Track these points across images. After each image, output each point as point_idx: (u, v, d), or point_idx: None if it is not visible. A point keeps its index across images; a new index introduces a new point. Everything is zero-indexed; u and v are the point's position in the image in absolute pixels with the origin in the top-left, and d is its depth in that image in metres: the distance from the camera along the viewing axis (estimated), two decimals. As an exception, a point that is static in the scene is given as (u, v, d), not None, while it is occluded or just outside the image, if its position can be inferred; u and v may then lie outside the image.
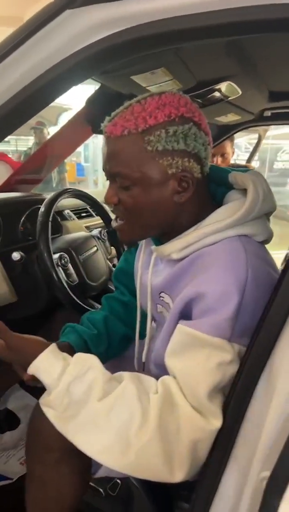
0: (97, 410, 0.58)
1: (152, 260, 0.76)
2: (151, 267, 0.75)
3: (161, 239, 0.73)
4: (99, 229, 1.37)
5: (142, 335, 0.91)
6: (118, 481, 0.87)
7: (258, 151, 2.99)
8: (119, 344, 0.92)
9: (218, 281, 0.59)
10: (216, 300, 0.58)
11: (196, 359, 0.59)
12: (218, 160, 2.19)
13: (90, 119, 1.44)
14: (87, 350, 0.84)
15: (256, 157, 3.12)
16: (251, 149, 2.94)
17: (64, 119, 7.30)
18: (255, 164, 3.74)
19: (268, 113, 1.73)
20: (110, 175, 0.67)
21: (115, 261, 1.47)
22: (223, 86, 1.24)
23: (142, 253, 0.81)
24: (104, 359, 0.86)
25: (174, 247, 0.67)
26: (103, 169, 0.69)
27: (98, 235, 1.32)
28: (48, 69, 0.70)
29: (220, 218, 0.64)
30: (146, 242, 0.81)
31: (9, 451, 1.28)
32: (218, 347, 0.58)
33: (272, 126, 3.25)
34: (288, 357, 0.47)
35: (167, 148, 0.61)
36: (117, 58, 0.71)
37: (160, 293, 0.73)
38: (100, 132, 1.60)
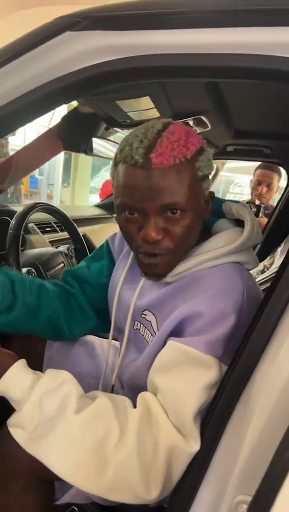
0: (74, 424, 0.55)
1: (142, 280, 0.75)
2: (140, 286, 0.75)
3: None
4: (67, 245, 1.35)
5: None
6: (75, 508, 0.83)
7: (214, 183, 3.14)
8: (47, 324, 0.83)
9: (217, 302, 0.61)
10: (213, 319, 0.60)
11: (185, 378, 0.59)
12: (263, 190, 2.27)
13: (62, 136, 1.45)
14: (13, 294, 0.77)
15: (211, 188, 3.27)
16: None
17: (21, 131, 7.18)
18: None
19: (231, 149, 1.85)
20: (162, 207, 0.61)
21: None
22: (196, 120, 1.31)
23: (128, 268, 0.80)
24: (30, 322, 0.79)
25: (172, 272, 0.67)
26: (137, 204, 0.62)
27: (66, 251, 1.30)
28: (39, 85, 0.71)
29: (218, 246, 0.67)
30: (133, 260, 0.80)
31: None
32: (208, 366, 0.58)
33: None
34: (268, 381, 0.50)
35: (205, 173, 0.65)
36: (109, 84, 0.73)
37: (144, 311, 0.73)
38: (71, 150, 1.61)
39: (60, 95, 0.72)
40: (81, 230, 1.69)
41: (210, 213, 0.69)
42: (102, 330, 0.86)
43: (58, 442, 0.55)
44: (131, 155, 0.60)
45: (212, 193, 0.69)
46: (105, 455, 0.55)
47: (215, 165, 0.70)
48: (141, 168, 0.60)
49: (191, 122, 1.36)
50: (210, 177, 0.67)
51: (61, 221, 1.33)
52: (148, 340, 0.72)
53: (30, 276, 1.07)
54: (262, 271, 1.87)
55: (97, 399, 0.59)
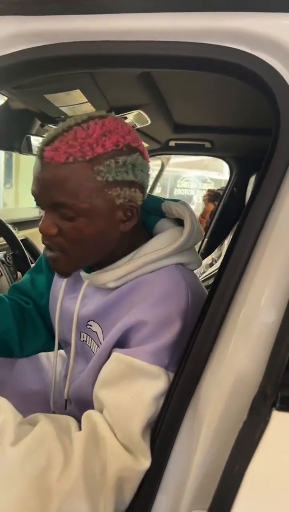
0: (11, 457, 0.50)
1: (82, 287, 0.70)
2: (81, 294, 0.70)
3: (92, 266, 0.69)
4: (3, 252, 1.26)
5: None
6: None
7: (160, 178, 3.13)
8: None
9: (160, 308, 0.58)
10: (158, 327, 0.57)
11: (131, 391, 0.56)
12: None
13: (-6, 134, 1.35)
14: None
15: (158, 184, 3.27)
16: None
17: None
18: (157, 190, 3.80)
19: (172, 143, 1.84)
20: (51, 204, 0.59)
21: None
22: (134, 114, 1.28)
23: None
24: None
25: (111, 276, 0.64)
26: (36, 196, 0.60)
27: (3, 259, 1.21)
28: None
29: (158, 247, 0.64)
30: None
31: None
32: (155, 376, 0.55)
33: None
34: (215, 388, 0.47)
35: (116, 179, 0.58)
36: (31, 75, 0.67)
37: (88, 321, 0.69)
38: (3, 148, 1.51)
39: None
40: (23, 233, 1.59)
41: (130, 226, 0.62)
42: (52, 347, 0.80)
43: None
44: (39, 145, 0.59)
45: (137, 206, 0.61)
46: (48, 486, 0.50)
47: (149, 173, 0.64)
48: (39, 160, 0.58)
49: (130, 117, 1.32)
50: (136, 187, 0.60)
51: (-4, 226, 1.23)
52: (94, 352, 0.68)
53: None
54: (211, 264, 1.89)
55: (37, 424, 0.54)
